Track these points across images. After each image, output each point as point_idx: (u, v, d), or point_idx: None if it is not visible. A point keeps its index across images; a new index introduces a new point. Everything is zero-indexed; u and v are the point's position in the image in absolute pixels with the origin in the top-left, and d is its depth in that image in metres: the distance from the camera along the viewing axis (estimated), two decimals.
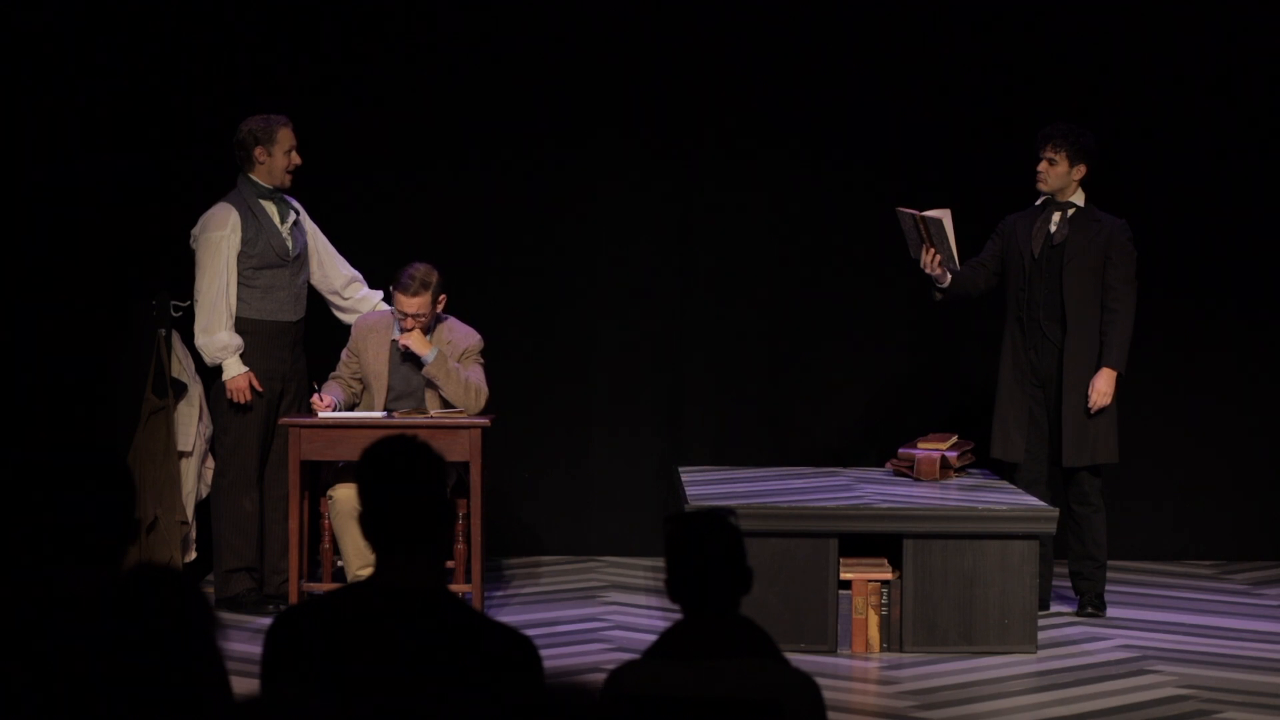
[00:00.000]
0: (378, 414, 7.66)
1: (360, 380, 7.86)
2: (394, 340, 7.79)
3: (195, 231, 7.87)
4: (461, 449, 7.48)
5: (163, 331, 8.10)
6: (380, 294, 8.12)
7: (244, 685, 3.34)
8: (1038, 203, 7.93)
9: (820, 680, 3.70)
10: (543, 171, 9.19)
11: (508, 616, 7.66)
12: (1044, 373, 7.86)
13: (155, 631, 2.89)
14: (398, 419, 7.57)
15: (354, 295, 8.14)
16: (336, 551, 7.64)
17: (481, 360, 7.84)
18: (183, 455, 8.13)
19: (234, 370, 7.80)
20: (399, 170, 9.11)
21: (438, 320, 7.81)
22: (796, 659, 3.92)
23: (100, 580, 3.04)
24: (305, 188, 8.78)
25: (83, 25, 8.40)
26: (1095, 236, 7.82)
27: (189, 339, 8.19)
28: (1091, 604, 7.88)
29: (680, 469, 8.39)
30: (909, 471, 8.00)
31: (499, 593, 8.35)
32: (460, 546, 7.62)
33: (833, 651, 7.20)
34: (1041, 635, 7.32)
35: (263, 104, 8.92)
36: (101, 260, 8.33)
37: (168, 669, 2.88)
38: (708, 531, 3.71)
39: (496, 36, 9.14)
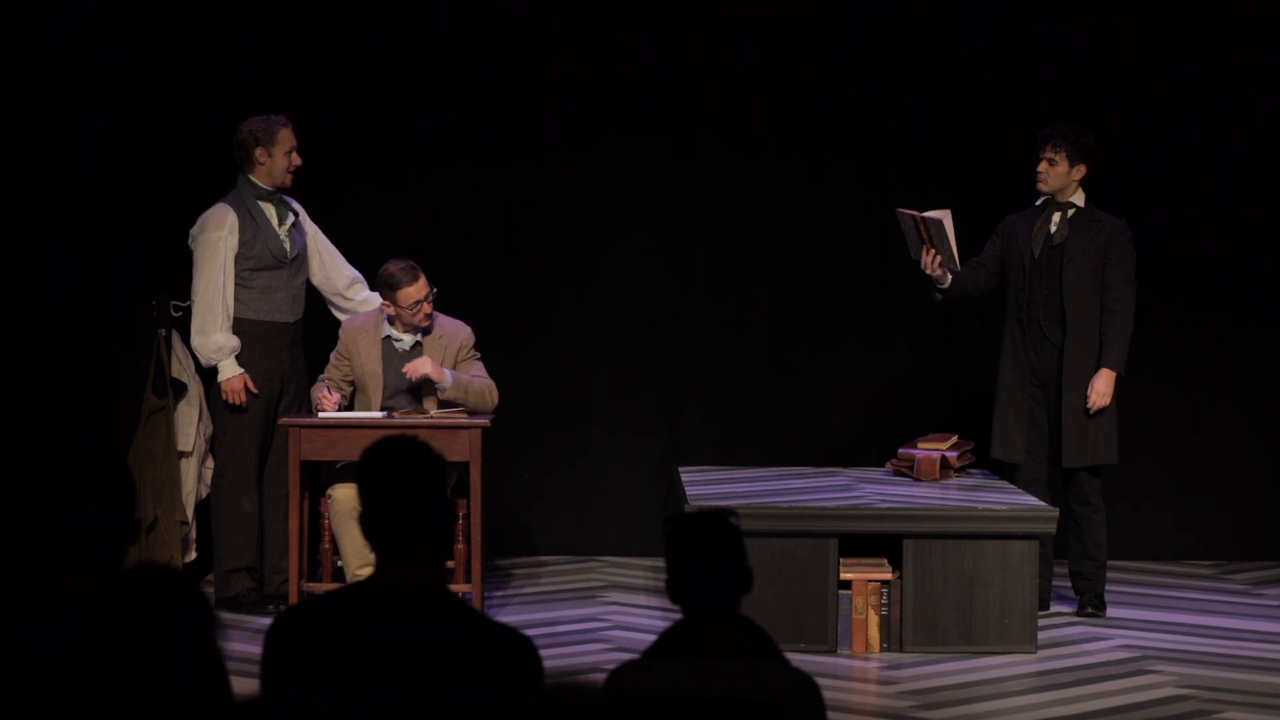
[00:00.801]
0: (377, 414, 7.66)
1: (351, 382, 7.86)
2: (386, 338, 7.78)
3: (193, 232, 7.88)
4: (461, 449, 7.47)
5: (163, 331, 8.10)
6: None
7: (244, 685, 3.34)
8: (1038, 203, 7.94)
9: (820, 680, 3.70)
10: (543, 172, 9.19)
11: (508, 616, 7.66)
12: (1044, 373, 7.86)
13: (155, 631, 2.89)
14: (398, 419, 7.57)
15: (356, 296, 8.14)
16: (336, 551, 7.64)
17: (477, 354, 7.86)
18: (183, 455, 8.13)
19: (229, 372, 7.81)
20: (399, 171, 9.11)
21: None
22: (796, 659, 3.92)
23: (100, 580, 3.04)
24: (305, 189, 8.78)
25: (83, 25, 8.40)
26: (1095, 237, 7.82)
27: (189, 339, 8.19)
28: (1091, 604, 7.88)
29: (680, 469, 8.39)
30: (909, 471, 8.00)
31: (499, 593, 8.35)
32: (460, 546, 7.62)
33: (833, 651, 7.20)
34: (1041, 635, 7.32)
35: (263, 104, 8.92)
36: (101, 260, 8.33)
37: (168, 669, 2.88)
38: (708, 532, 3.71)
39: (497, 37, 9.14)
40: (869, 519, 7.30)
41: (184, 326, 8.18)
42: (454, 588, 7.51)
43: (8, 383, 7.93)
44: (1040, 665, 7.08)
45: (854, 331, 9.26)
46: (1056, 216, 7.88)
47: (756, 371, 9.28)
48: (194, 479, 8.18)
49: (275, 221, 7.89)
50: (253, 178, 7.85)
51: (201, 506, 8.28)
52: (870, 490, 7.74)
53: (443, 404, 7.76)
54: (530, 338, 9.19)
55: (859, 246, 9.15)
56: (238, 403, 7.81)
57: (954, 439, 8.12)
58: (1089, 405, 7.73)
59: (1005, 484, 7.85)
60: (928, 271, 7.84)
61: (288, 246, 7.90)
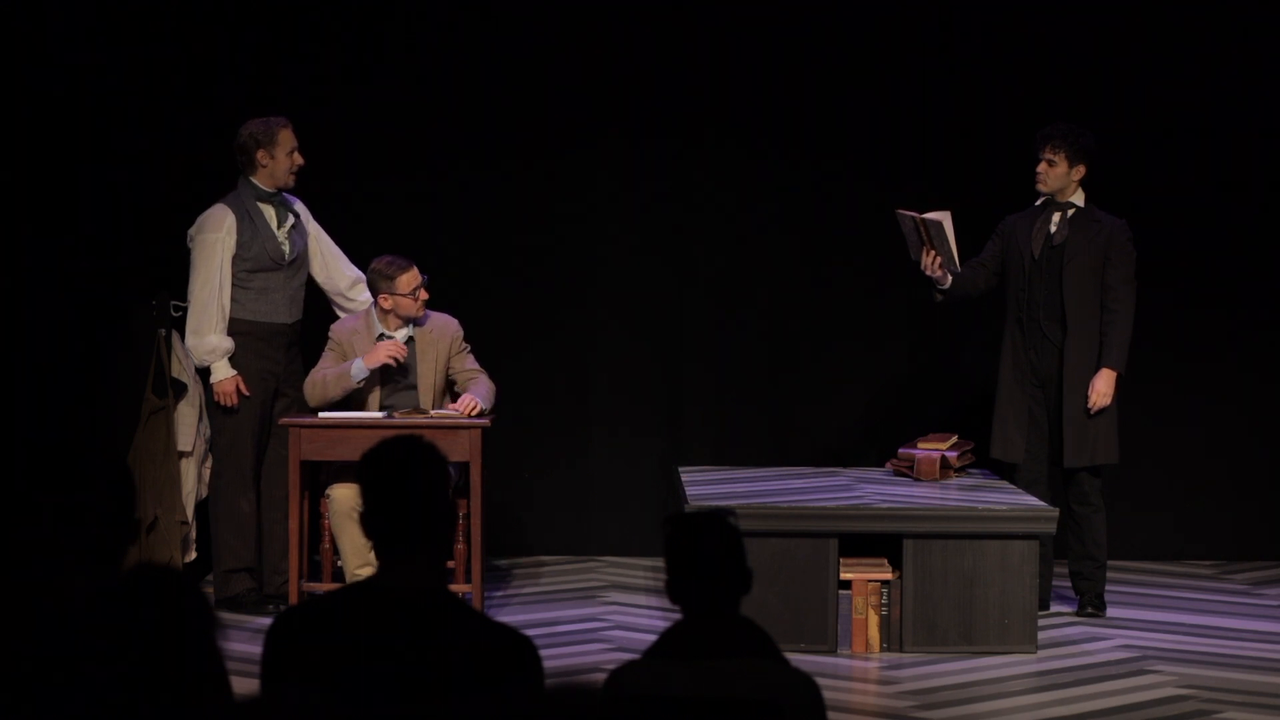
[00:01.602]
0: (377, 414, 7.66)
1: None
2: (380, 335, 7.75)
3: (191, 232, 7.89)
4: (461, 449, 7.48)
5: (163, 331, 8.10)
6: None
7: (244, 685, 3.34)
8: (1038, 203, 7.93)
9: (820, 680, 3.70)
10: (543, 172, 9.18)
11: (508, 616, 7.66)
12: (1044, 373, 7.86)
13: (155, 631, 2.89)
14: (398, 419, 7.57)
15: (359, 297, 8.13)
16: (336, 552, 7.64)
17: (467, 345, 7.87)
18: (183, 455, 8.13)
19: (221, 373, 7.82)
20: (398, 172, 9.11)
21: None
22: (796, 659, 3.93)
23: (100, 580, 3.04)
24: (305, 191, 8.77)
25: (84, 25, 8.40)
26: (1095, 237, 7.82)
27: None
28: (1091, 604, 7.88)
29: (680, 469, 8.39)
30: (909, 471, 8.00)
31: (499, 593, 8.35)
32: (460, 546, 7.62)
33: (833, 651, 7.20)
34: (1041, 635, 7.32)
35: (264, 104, 8.92)
36: (101, 260, 8.33)
37: (168, 669, 2.88)
38: (708, 532, 3.72)
39: (497, 38, 9.13)
40: (869, 519, 7.30)
41: (184, 326, 8.18)
42: (454, 588, 7.51)
43: (8, 383, 7.93)
44: (1040, 665, 7.08)
45: (854, 331, 9.25)
46: (1056, 217, 7.88)
47: (756, 371, 9.28)
48: (194, 479, 8.18)
49: (274, 223, 7.89)
50: (254, 180, 7.86)
51: (201, 506, 8.28)
52: (870, 490, 7.74)
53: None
54: (530, 338, 9.19)
55: (859, 247, 9.15)
56: (229, 405, 7.82)
57: (954, 439, 8.12)
58: (1089, 405, 7.73)
59: (1005, 484, 7.85)
60: (928, 273, 7.84)
61: (286, 249, 7.90)
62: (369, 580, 3.56)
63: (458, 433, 7.51)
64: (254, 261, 7.83)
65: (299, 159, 7.87)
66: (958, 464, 8.03)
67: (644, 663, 3.66)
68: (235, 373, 7.81)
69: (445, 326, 7.85)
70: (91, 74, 8.39)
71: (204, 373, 8.02)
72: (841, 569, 7.25)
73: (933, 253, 7.77)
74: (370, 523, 3.55)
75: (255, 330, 7.87)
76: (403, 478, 3.53)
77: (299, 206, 8.04)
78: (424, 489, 3.54)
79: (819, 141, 9.20)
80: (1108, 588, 7.98)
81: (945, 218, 7.66)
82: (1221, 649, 7.33)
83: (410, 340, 7.78)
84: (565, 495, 9.28)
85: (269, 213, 7.88)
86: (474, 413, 7.57)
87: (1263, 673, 6.94)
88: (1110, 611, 7.91)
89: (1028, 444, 7.88)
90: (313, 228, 8.11)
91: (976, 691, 6.68)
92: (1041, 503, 7.50)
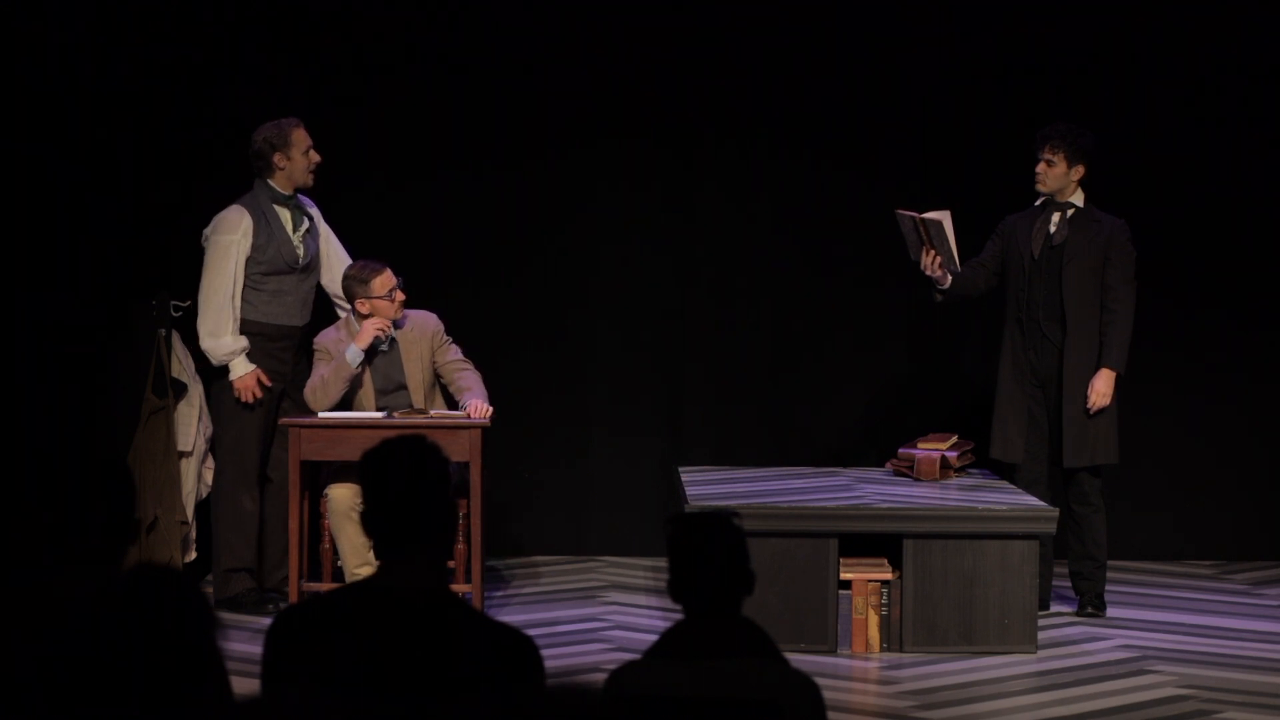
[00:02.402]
0: (377, 414, 7.66)
1: None
2: (378, 340, 7.75)
3: (206, 232, 7.89)
4: (461, 449, 7.47)
5: (163, 331, 8.10)
6: None
7: (244, 685, 3.34)
8: (1037, 203, 7.93)
9: (820, 680, 3.70)
10: (543, 172, 9.18)
11: (508, 616, 7.66)
12: (1044, 373, 7.86)
13: (155, 631, 2.88)
14: (398, 419, 7.57)
15: None
16: (336, 552, 7.64)
17: (449, 338, 7.88)
18: (183, 455, 8.13)
19: (241, 369, 7.82)
20: (398, 173, 9.11)
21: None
22: (796, 659, 3.93)
23: (100, 580, 3.04)
24: (303, 192, 8.77)
25: (85, 25, 8.39)
26: (1095, 237, 7.82)
27: (189, 339, 8.18)
28: (1091, 604, 7.88)
29: (680, 469, 8.38)
30: (909, 471, 7.99)
31: (499, 593, 8.35)
32: (460, 546, 7.62)
33: (833, 651, 7.20)
34: (1041, 635, 7.32)
35: (265, 103, 8.91)
36: (101, 260, 8.33)
37: (168, 669, 2.88)
38: (711, 532, 3.72)
39: (496, 39, 9.13)
40: (869, 519, 7.30)
41: (184, 326, 8.18)
42: (454, 588, 7.50)
43: (8, 382, 7.93)
44: (1040, 665, 7.08)
45: (854, 331, 9.25)
46: (1056, 217, 7.87)
47: (756, 371, 9.28)
48: (194, 479, 8.18)
49: (290, 226, 7.90)
50: (271, 182, 7.87)
51: (201, 506, 8.28)
52: (870, 490, 7.74)
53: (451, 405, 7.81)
54: (530, 338, 9.19)
55: (859, 247, 9.14)
56: (250, 400, 7.81)
57: (954, 439, 8.12)
58: (1089, 405, 7.73)
59: (1005, 484, 7.85)
60: (927, 273, 7.84)
61: (300, 252, 7.91)
62: (369, 580, 3.55)
63: (458, 433, 7.50)
64: (269, 264, 7.83)
65: (316, 156, 7.89)
66: (958, 464, 8.03)
67: (644, 663, 3.66)
68: (255, 367, 7.81)
69: (425, 324, 7.85)
70: (92, 73, 8.39)
71: (207, 373, 8.02)
72: (841, 569, 7.24)
73: (932, 252, 7.77)
74: (371, 521, 3.55)
75: (266, 331, 7.88)
76: (404, 477, 3.52)
77: (313, 210, 8.05)
78: (425, 488, 3.53)
79: (819, 141, 9.20)
80: (1108, 588, 7.98)
81: (945, 217, 7.66)
82: (1221, 649, 7.33)
83: (393, 342, 7.78)
84: (565, 495, 9.28)
85: (285, 216, 7.90)
86: (489, 416, 7.58)
87: (1263, 673, 6.94)
88: (1110, 611, 7.91)
89: (1027, 444, 7.88)
90: (323, 229, 8.11)
91: (976, 691, 6.68)
92: (1041, 503, 7.50)
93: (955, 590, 7.23)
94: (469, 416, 7.56)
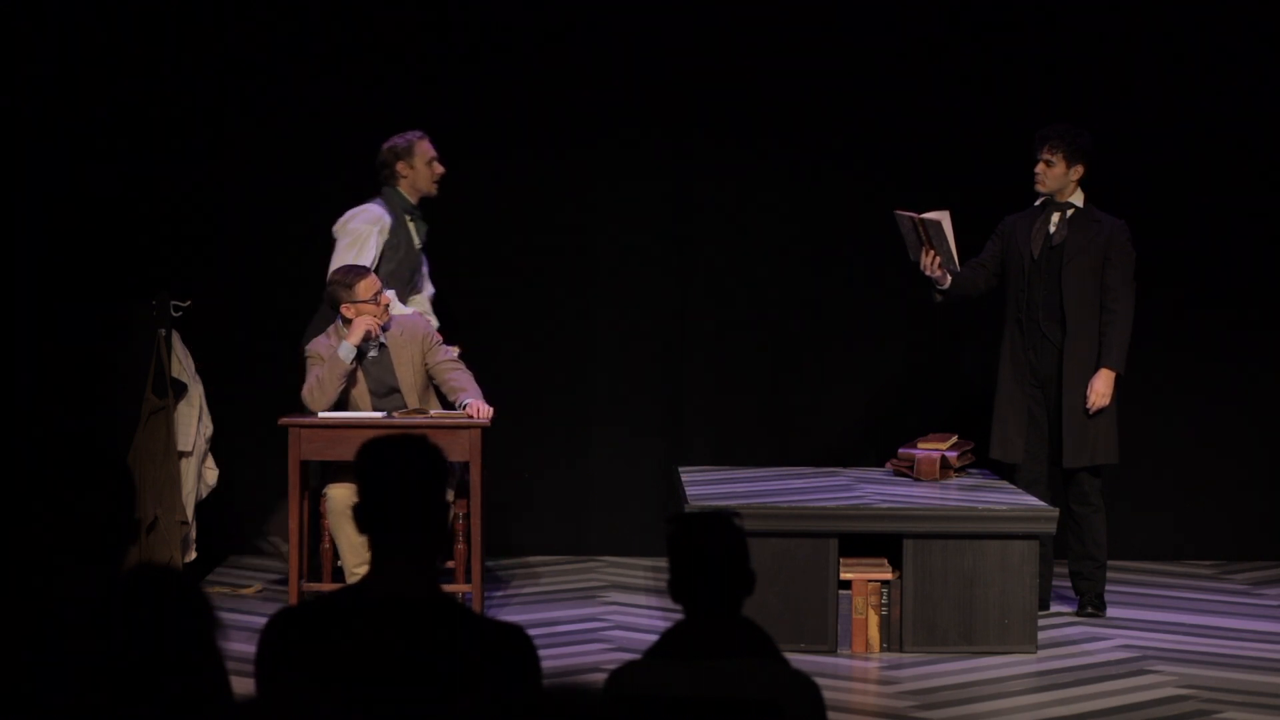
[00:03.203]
0: (377, 414, 7.66)
1: None
2: (370, 335, 7.74)
3: (341, 221, 7.98)
4: (461, 449, 7.47)
5: (163, 331, 8.10)
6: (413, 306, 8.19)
7: (244, 685, 3.34)
8: (1037, 203, 7.93)
9: (820, 680, 3.71)
10: (542, 171, 9.18)
11: (508, 617, 7.65)
12: (1043, 373, 7.86)
13: (155, 631, 2.88)
14: (398, 419, 7.57)
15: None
16: (337, 552, 7.64)
17: (439, 338, 7.87)
18: (183, 455, 8.14)
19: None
20: None
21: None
22: (796, 659, 3.93)
23: (100, 580, 3.04)
24: (305, 190, 8.80)
25: (85, 25, 8.40)
26: (1094, 237, 7.82)
27: (189, 339, 8.19)
28: (1091, 604, 7.88)
29: (680, 469, 8.38)
30: (909, 471, 7.99)
31: (499, 593, 8.35)
32: (460, 546, 7.62)
33: (833, 651, 7.20)
34: (1041, 635, 7.32)
35: (265, 103, 8.94)
36: (101, 260, 8.33)
37: (168, 669, 2.88)
38: (712, 532, 3.72)
39: (494, 36, 9.13)
40: (869, 519, 7.30)
41: (184, 326, 8.18)
42: (454, 588, 7.52)
43: (8, 382, 7.93)
44: (1040, 665, 7.08)
45: (854, 331, 9.25)
46: (1055, 217, 7.87)
47: (756, 371, 9.28)
48: (194, 479, 8.19)
49: (416, 239, 8.10)
50: (399, 189, 8.04)
51: (201, 506, 8.29)
52: (870, 490, 7.74)
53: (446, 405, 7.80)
54: (531, 338, 9.19)
55: (859, 247, 9.14)
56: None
57: (954, 439, 8.12)
58: (1089, 405, 7.73)
59: (1005, 484, 7.85)
60: (927, 273, 7.84)
61: (422, 260, 8.14)
62: (360, 582, 3.53)
63: (458, 433, 7.50)
64: (395, 270, 7.98)
65: (439, 168, 8.08)
66: (958, 464, 8.03)
67: (645, 663, 3.66)
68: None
69: (414, 326, 7.85)
70: (93, 72, 8.39)
71: (209, 372, 8.01)
72: (841, 569, 7.24)
73: (932, 253, 7.77)
74: (363, 517, 3.52)
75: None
76: (400, 474, 3.51)
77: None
78: (421, 487, 3.51)
79: (819, 141, 9.20)
80: (1108, 588, 7.98)
81: (944, 218, 7.66)
82: (1221, 649, 7.33)
83: (383, 347, 7.78)
84: (565, 495, 9.28)
85: (411, 227, 8.08)
86: (489, 416, 7.59)
87: (1263, 673, 6.94)
88: (1110, 611, 7.91)
89: (1027, 444, 7.88)
90: None
91: (976, 691, 6.68)
92: (1041, 503, 7.50)
93: (955, 590, 7.23)
94: (471, 417, 7.56)
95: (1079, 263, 7.79)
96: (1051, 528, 7.40)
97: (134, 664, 2.86)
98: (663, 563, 3.72)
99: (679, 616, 3.71)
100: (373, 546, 3.51)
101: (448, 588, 7.47)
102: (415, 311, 7.99)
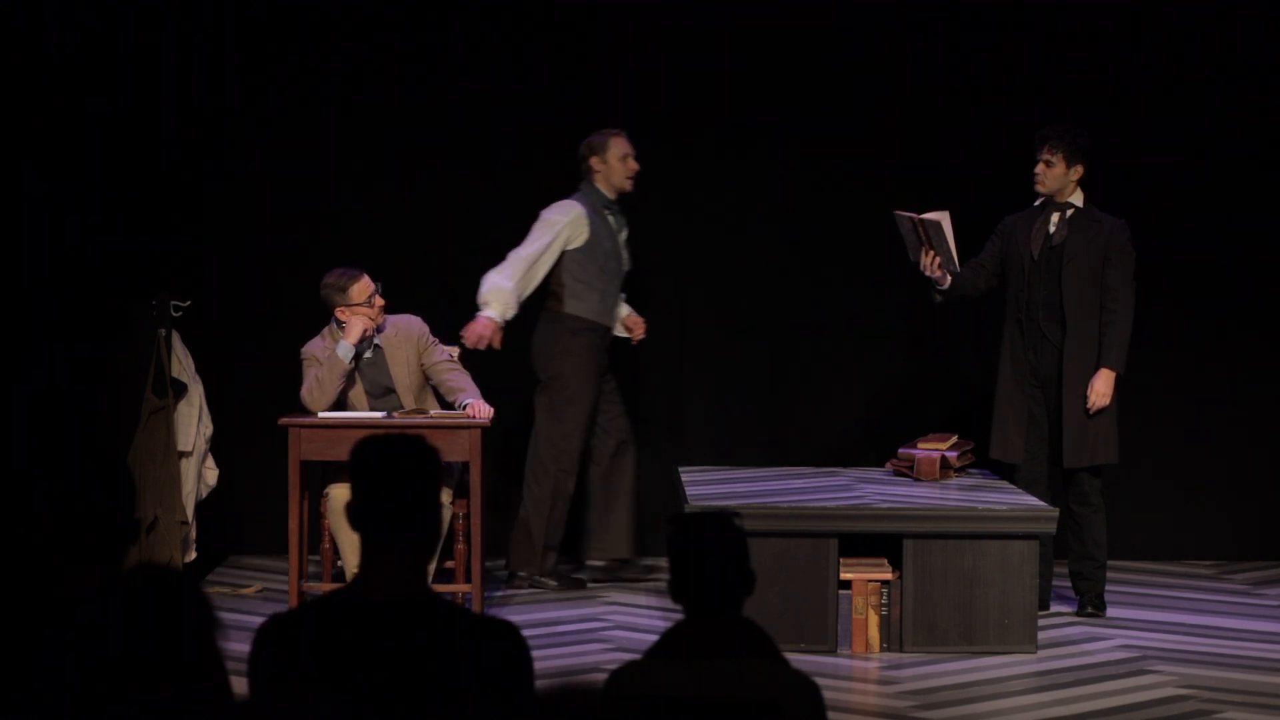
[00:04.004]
0: (377, 414, 7.66)
1: None
2: (366, 337, 7.74)
3: (542, 212, 8.28)
4: (461, 449, 7.47)
5: (163, 331, 8.10)
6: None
7: (244, 686, 3.34)
8: (1037, 203, 7.93)
9: (820, 680, 3.70)
10: (542, 172, 9.17)
11: (508, 617, 7.64)
12: (1043, 373, 7.86)
13: (155, 631, 2.88)
14: (398, 419, 7.57)
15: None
16: (337, 552, 7.64)
17: (435, 339, 7.88)
18: (183, 455, 8.14)
19: (489, 314, 8.06)
20: (400, 173, 9.10)
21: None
22: (796, 659, 3.93)
23: (100, 580, 3.04)
24: (305, 191, 8.79)
25: (84, 25, 8.39)
26: (1094, 237, 7.81)
27: (189, 339, 8.19)
28: (1091, 604, 7.88)
29: (680, 469, 8.38)
30: (909, 471, 7.99)
31: (499, 593, 8.35)
32: (460, 546, 7.62)
33: (833, 651, 7.20)
34: (1041, 635, 7.32)
35: (266, 103, 8.94)
36: (101, 260, 8.33)
37: (168, 669, 2.88)
38: (712, 533, 3.72)
39: (492, 37, 9.13)
40: (869, 519, 7.30)
41: (184, 327, 8.18)
42: (454, 588, 7.52)
43: (8, 382, 7.93)
44: (1040, 665, 7.08)
45: (854, 332, 9.25)
46: (1055, 217, 7.87)
47: (756, 372, 9.28)
48: (194, 479, 8.19)
49: (616, 232, 8.35)
50: (596, 184, 8.31)
51: (201, 506, 8.29)
52: (870, 490, 7.74)
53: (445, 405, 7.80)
54: (530, 339, 9.17)
55: (858, 247, 9.14)
56: (477, 345, 8.03)
57: (954, 439, 8.12)
58: (1089, 405, 7.73)
59: (1005, 484, 7.84)
60: (927, 273, 7.84)
61: (625, 256, 8.38)
62: (351, 583, 3.52)
63: (458, 433, 7.51)
64: (600, 264, 8.26)
65: (634, 165, 8.34)
66: (958, 464, 8.03)
67: (644, 663, 3.66)
68: (499, 322, 8.09)
69: (408, 327, 7.86)
70: (92, 71, 8.39)
71: (209, 372, 8.01)
72: (841, 569, 7.24)
73: (932, 253, 7.77)
74: (356, 514, 3.51)
75: (597, 329, 8.34)
76: (393, 472, 3.49)
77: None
78: (413, 485, 3.50)
79: (818, 142, 9.19)
80: (1108, 588, 7.98)
81: (944, 218, 7.66)
82: (1221, 649, 7.33)
83: (378, 348, 7.79)
84: None
85: (611, 220, 8.33)
86: (490, 416, 7.59)
87: (1263, 673, 6.94)
88: (1110, 611, 7.91)
89: (1027, 444, 7.88)
90: None
91: (976, 691, 6.68)
92: (1041, 503, 7.50)
93: (955, 590, 7.23)
94: (471, 417, 7.56)
95: (1079, 263, 7.79)
96: (1051, 528, 7.40)
97: (134, 664, 2.86)
98: (663, 563, 3.72)
99: (679, 616, 3.71)
100: (363, 544, 3.50)
101: (448, 588, 7.48)
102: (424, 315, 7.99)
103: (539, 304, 8.36)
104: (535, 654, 3.49)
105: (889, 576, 7.27)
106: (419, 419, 7.57)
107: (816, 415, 9.28)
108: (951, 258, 7.76)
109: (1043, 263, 7.83)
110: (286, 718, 2.83)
